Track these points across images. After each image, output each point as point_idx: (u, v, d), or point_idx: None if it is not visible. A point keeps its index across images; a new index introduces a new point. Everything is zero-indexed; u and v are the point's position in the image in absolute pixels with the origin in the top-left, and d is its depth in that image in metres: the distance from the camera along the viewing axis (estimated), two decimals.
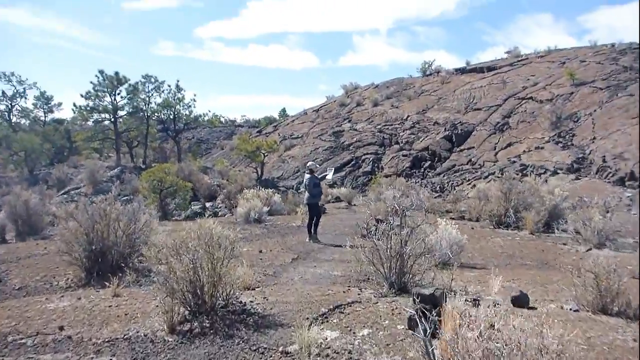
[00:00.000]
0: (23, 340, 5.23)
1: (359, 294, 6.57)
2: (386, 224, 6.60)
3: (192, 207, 23.04)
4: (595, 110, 29.93)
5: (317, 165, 13.19)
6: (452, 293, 6.66)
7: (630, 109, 27.88)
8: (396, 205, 6.73)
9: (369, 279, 7.97)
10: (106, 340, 5.16)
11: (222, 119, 76.06)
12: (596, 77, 34.09)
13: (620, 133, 25.83)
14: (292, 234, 14.18)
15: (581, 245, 11.44)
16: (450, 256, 8.31)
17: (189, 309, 5.58)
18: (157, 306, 5.72)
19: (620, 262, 9.54)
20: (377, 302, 6.05)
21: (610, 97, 30.56)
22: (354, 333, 5.03)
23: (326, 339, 4.90)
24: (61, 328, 5.48)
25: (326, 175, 13.19)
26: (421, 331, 4.70)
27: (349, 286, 7.44)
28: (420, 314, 4.73)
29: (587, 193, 18.86)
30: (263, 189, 20.03)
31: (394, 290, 6.48)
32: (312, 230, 12.80)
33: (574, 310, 5.62)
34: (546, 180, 20.88)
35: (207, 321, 5.44)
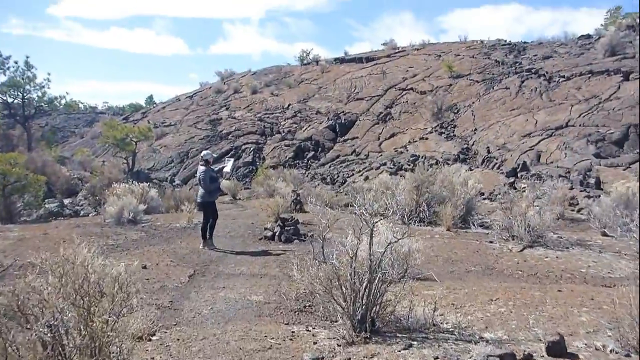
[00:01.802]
0: None
1: (314, 343, 4.53)
2: (348, 235, 4.64)
3: (47, 206, 19.12)
4: (474, 102, 30.65)
5: (214, 155, 10.79)
6: (442, 333, 4.92)
7: (507, 101, 28.87)
8: (364, 212, 4.75)
9: (306, 307, 5.97)
10: None
11: (81, 105, 68.33)
12: (472, 70, 35.21)
13: (500, 125, 26.48)
14: (179, 238, 11.66)
15: (510, 243, 10.46)
16: (421, 271, 6.54)
17: None
18: None
19: (591, 266, 8.54)
20: (349, 359, 4.08)
21: (486, 89, 31.55)
22: None
23: None
24: None
25: (224, 167, 10.86)
26: None
27: (287, 323, 5.36)
28: None
29: (483, 184, 18.56)
30: (137, 183, 16.95)
31: (363, 334, 4.53)
32: (206, 235, 10.44)
33: (625, 356, 4.11)
34: (438, 169, 20.35)
35: None
